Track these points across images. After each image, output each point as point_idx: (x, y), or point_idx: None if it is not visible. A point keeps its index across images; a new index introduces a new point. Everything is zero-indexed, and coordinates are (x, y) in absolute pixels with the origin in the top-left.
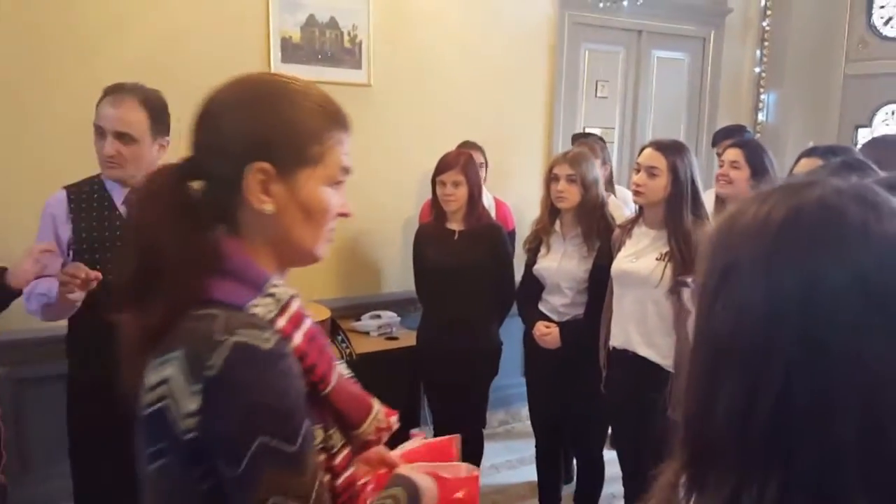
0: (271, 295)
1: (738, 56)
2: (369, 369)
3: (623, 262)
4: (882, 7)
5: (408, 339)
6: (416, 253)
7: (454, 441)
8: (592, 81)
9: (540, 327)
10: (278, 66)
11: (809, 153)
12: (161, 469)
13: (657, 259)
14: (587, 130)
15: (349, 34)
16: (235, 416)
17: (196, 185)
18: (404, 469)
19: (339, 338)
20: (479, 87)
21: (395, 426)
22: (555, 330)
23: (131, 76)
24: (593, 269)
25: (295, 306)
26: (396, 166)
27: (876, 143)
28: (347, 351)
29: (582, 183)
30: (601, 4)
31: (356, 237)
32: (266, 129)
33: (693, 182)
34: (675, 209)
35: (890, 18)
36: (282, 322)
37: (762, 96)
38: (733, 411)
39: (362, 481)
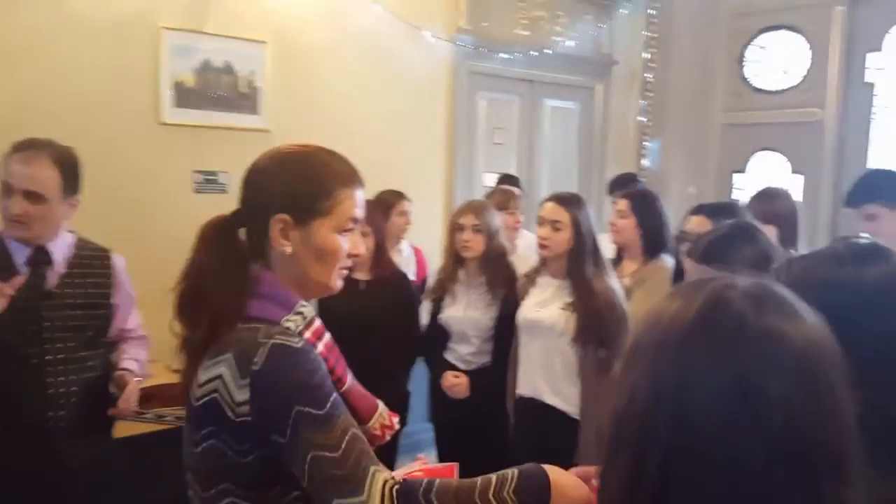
0: (300, 313)
1: (623, 105)
2: None
3: (529, 311)
4: (755, 62)
5: None
6: (321, 303)
7: (454, 468)
8: (490, 129)
9: (449, 377)
10: (171, 111)
11: (697, 211)
12: (208, 448)
13: (561, 308)
14: (510, 174)
15: (246, 79)
16: (277, 395)
17: (241, 231)
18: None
19: None
20: (379, 133)
21: (397, 426)
22: (464, 380)
23: (14, 117)
24: (499, 318)
25: (317, 323)
26: None
27: (762, 197)
28: None
29: (487, 232)
30: (496, 55)
31: None
32: (286, 189)
33: (593, 234)
34: (577, 261)
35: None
36: (307, 334)
37: (646, 143)
38: (624, 478)
39: None
